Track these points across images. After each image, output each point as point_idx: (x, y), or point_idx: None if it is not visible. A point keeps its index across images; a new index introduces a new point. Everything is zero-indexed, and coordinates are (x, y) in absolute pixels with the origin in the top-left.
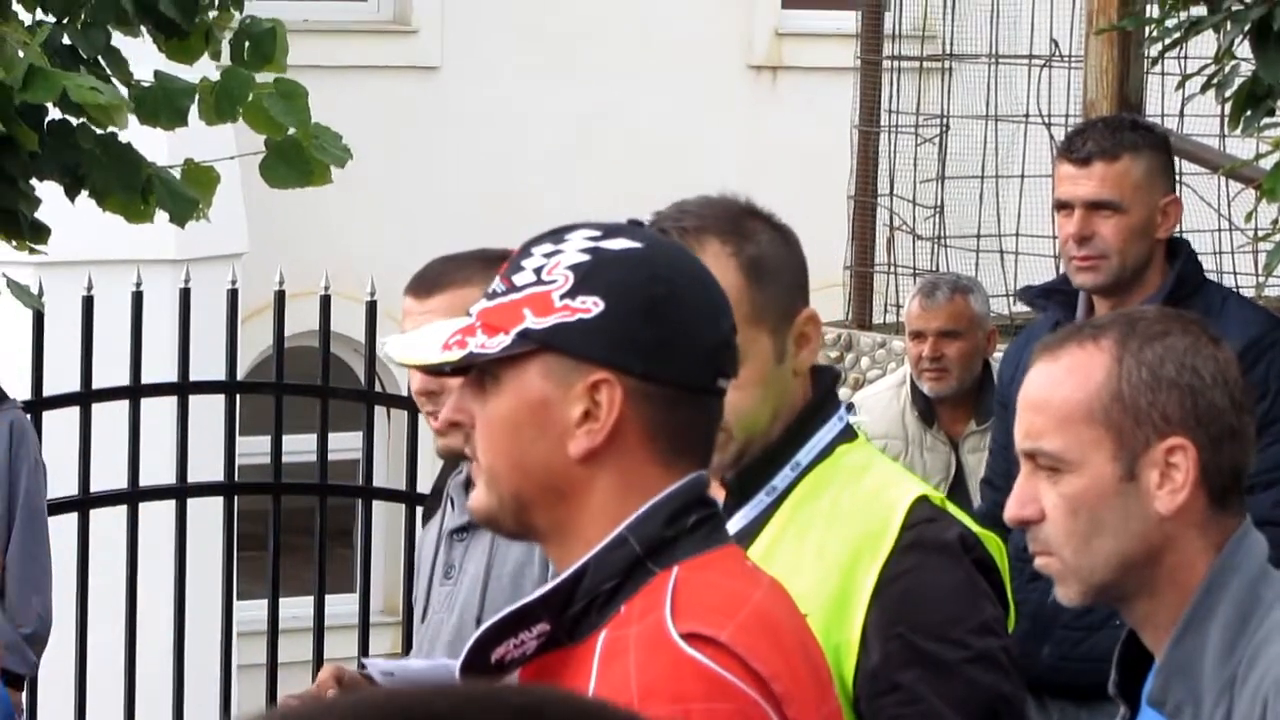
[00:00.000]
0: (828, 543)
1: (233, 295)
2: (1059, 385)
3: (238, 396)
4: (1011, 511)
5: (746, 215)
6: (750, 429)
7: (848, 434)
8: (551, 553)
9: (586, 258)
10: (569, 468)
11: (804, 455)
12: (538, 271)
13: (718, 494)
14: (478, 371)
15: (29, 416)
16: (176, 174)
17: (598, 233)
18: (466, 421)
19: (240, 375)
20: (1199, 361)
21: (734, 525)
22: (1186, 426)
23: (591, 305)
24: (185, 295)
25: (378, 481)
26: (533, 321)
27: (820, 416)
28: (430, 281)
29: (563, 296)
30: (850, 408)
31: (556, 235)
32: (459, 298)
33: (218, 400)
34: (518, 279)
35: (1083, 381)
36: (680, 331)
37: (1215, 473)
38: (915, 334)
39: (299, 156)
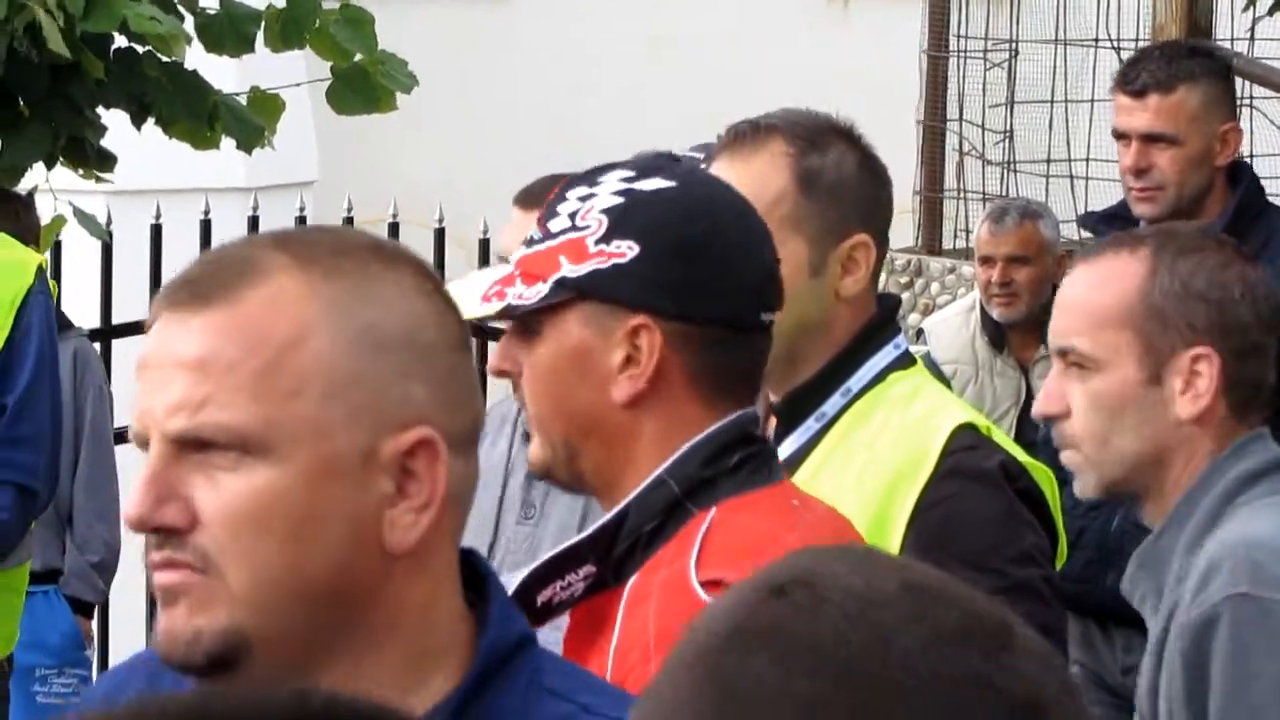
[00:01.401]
0: (869, 468)
1: (301, 223)
2: (1094, 288)
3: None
4: (1039, 407)
5: (831, 131)
6: None
7: (903, 360)
8: (602, 502)
9: (620, 200)
10: (614, 414)
11: (855, 382)
12: (572, 217)
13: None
14: (519, 321)
15: (97, 345)
16: (243, 101)
17: (631, 173)
18: (514, 370)
19: None
20: (1229, 277)
21: (783, 451)
22: (1212, 337)
23: (626, 249)
24: (254, 224)
25: None
26: (569, 269)
27: (876, 343)
28: (535, 196)
29: (597, 242)
30: (919, 334)
31: (590, 178)
32: None
33: None
34: (553, 225)
35: (1116, 286)
36: (717, 271)
37: (1237, 384)
38: (984, 259)
39: (365, 83)
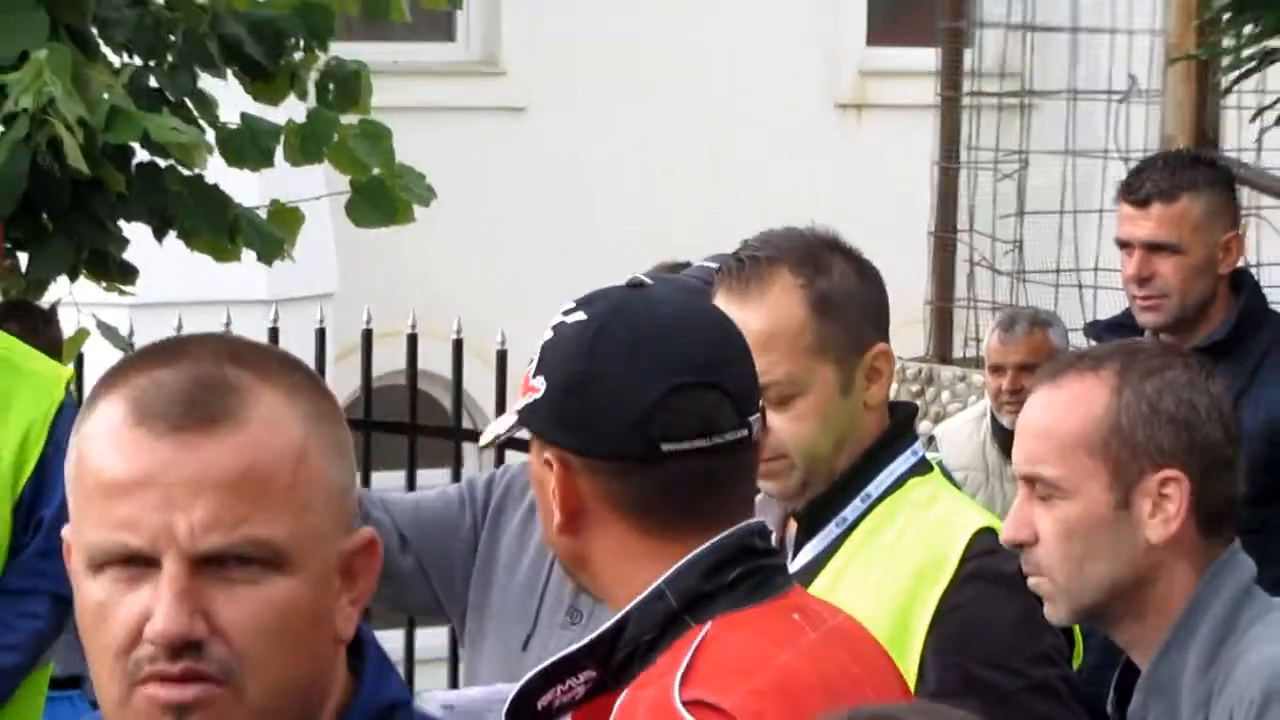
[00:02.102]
0: (890, 572)
1: (321, 335)
2: (1058, 413)
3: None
4: (1007, 534)
5: (825, 248)
6: (811, 457)
7: (920, 467)
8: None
9: (549, 335)
10: (559, 540)
11: (874, 487)
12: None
13: (790, 528)
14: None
15: None
16: (263, 214)
17: (572, 305)
18: None
19: None
20: (1195, 396)
21: (804, 556)
22: (1181, 459)
23: (540, 384)
24: (274, 335)
25: None
26: (520, 401)
27: (894, 449)
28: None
29: (532, 376)
30: (930, 441)
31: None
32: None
33: None
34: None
35: (1082, 410)
36: (598, 406)
37: (1206, 503)
38: (994, 367)
39: (383, 196)
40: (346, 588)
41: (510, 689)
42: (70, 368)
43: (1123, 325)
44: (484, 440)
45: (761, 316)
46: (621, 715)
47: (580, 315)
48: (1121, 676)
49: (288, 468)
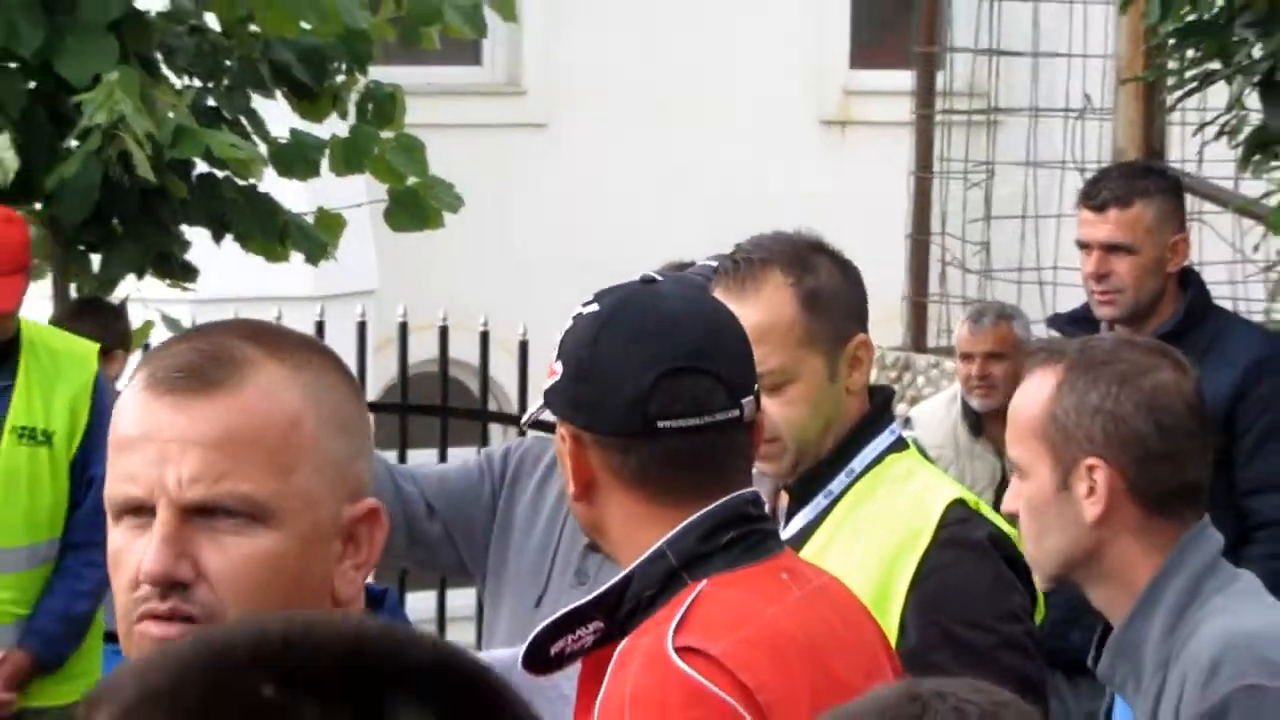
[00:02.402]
0: (874, 539)
1: (362, 328)
2: (1022, 401)
3: (370, 417)
4: (1006, 505)
5: (811, 250)
6: (802, 439)
7: (898, 445)
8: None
9: (570, 324)
10: (576, 508)
11: (858, 463)
12: None
13: (781, 500)
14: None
15: None
16: (310, 219)
17: (590, 298)
18: None
19: (370, 399)
20: (1125, 392)
21: (795, 525)
22: (1107, 449)
23: (558, 368)
24: (320, 328)
25: None
26: (546, 384)
27: (874, 429)
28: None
29: (554, 362)
30: (907, 422)
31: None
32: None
33: None
34: None
35: (1034, 399)
36: (601, 389)
37: (1146, 487)
38: (965, 355)
39: (417, 204)
40: (350, 553)
41: None
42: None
43: (1082, 318)
44: (525, 420)
45: (756, 312)
46: (621, 660)
47: (594, 307)
48: (1102, 636)
49: (276, 432)
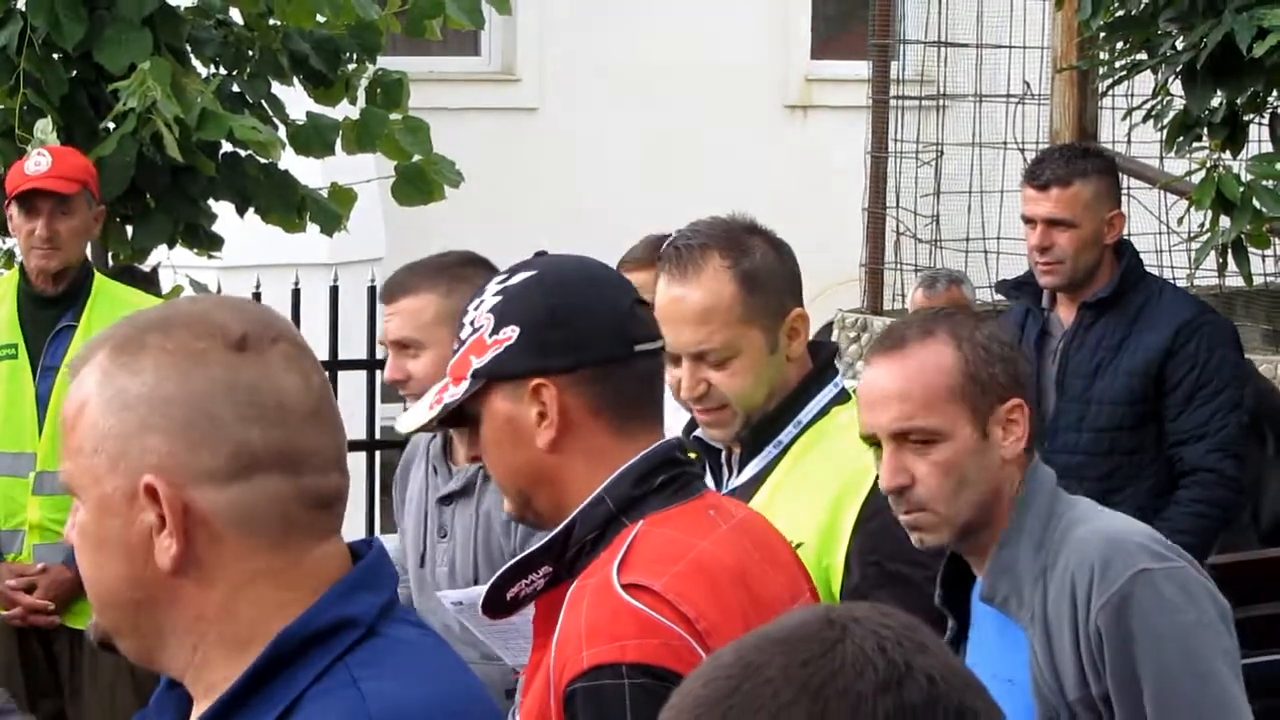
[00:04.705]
0: (822, 485)
1: (372, 291)
2: (916, 375)
3: (377, 371)
4: (887, 483)
5: (746, 232)
6: (748, 406)
7: (841, 397)
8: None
9: (499, 299)
10: (544, 460)
11: (805, 414)
12: (471, 324)
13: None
14: (458, 418)
15: None
16: (324, 194)
17: (504, 275)
18: (480, 456)
19: (379, 355)
20: (1005, 337)
21: (747, 473)
22: (1017, 387)
23: (512, 333)
24: (334, 292)
25: None
26: (477, 363)
27: (820, 383)
28: (390, 289)
29: (490, 335)
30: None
31: (480, 290)
32: (414, 303)
33: (360, 375)
34: (462, 334)
35: (936, 367)
36: (582, 325)
37: (1034, 422)
38: None
39: (422, 179)
40: (162, 524)
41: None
42: None
43: (1026, 284)
44: (436, 415)
45: (698, 294)
46: (573, 600)
47: (523, 275)
48: (945, 577)
49: (71, 420)
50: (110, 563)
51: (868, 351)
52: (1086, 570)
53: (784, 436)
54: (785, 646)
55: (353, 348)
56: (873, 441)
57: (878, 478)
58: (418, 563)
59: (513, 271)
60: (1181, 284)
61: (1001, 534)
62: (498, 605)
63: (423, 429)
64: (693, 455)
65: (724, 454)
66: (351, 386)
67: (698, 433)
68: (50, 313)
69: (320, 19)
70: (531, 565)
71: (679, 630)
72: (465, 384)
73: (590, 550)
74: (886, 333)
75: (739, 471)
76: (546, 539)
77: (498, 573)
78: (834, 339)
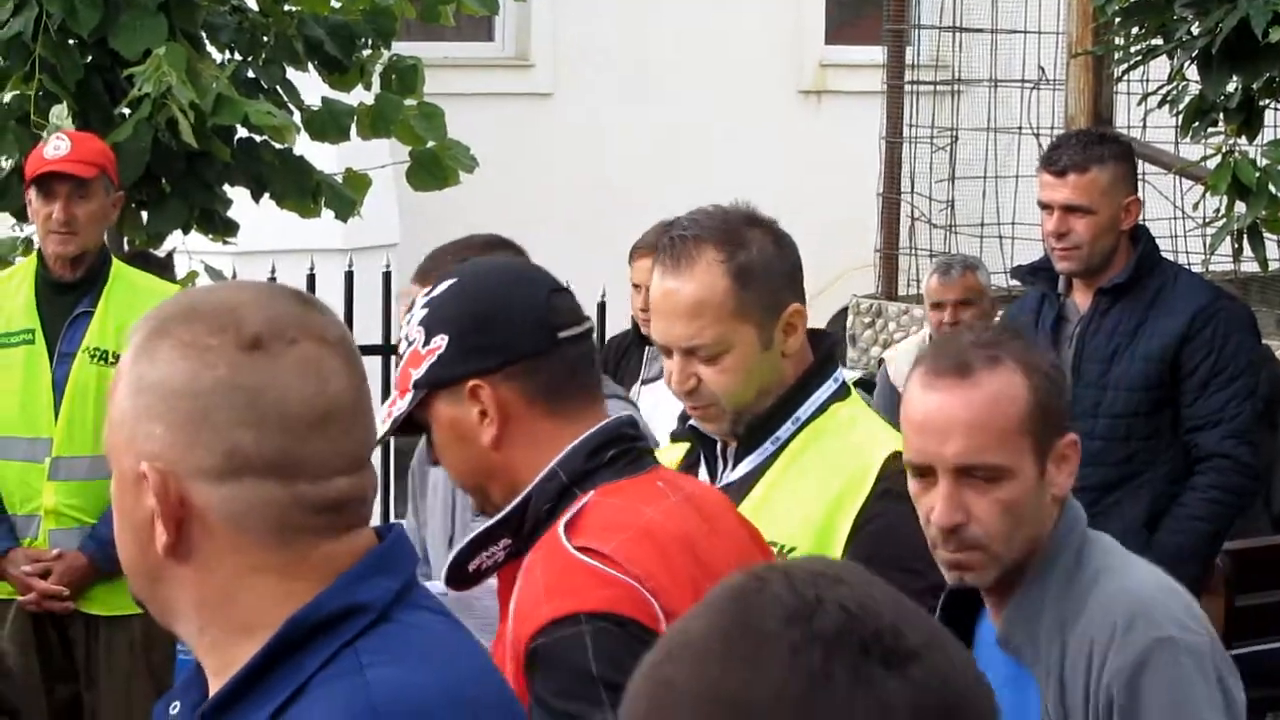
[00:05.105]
0: (818, 485)
1: (386, 277)
2: (987, 407)
3: (391, 357)
4: (945, 520)
5: (745, 224)
6: (737, 404)
7: (841, 393)
8: None
9: (425, 312)
10: (492, 455)
11: (803, 411)
12: (406, 339)
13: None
14: (411, 427)
15: None
16: (339, 180)
17: (429, 289)
18: (440, 461)
19: (393, 340)
20: (1059, 361)
21: (743, 468)
22: (1068, 420)
23: (442, 342)
24: (349, 278)
25: None
26: (416, 375)
27: (820, 378)
28: (421, 273)
29: (424, 346)
30: (881, 362)
31: (411, 307)
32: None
33: (375, 360)
34: (401, 349)
35: (1011, 400)
36: (504, 324)
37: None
38: (936, 305)
39: (436, 165)
40: (156, 512)
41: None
42: None
43: (1042, 269)
44: (390, 429)
45: (691, 288)
46: (528, 567)
47: (444, 284)
48: (946, 606)
49: (110, 391)
50: (124, 534)
51: (916, 370)
52: (1108, 629)
53: (781, 433)
54: (711, 603)
55: (368, 333)
56: (923, 472)
57: (878, 479)
58: (446, 545)
59: (436, 283)
60: (1197, 269)
61: (1026, 579)
62: (460, 578)
63: (379, 441)
64: (640, 431)
65: (720, 445)
66: (367, 370)
67: (693, 421)
68: (67, 299)
69: (335, 4)
70: (491, 538)
71: (634, 583)
72: (409, 396)
73: (545, 521)
74: (941, 352)
75: (734, 466)
76: (504, 512)
77: (457, 546)
78: (849, 324)
